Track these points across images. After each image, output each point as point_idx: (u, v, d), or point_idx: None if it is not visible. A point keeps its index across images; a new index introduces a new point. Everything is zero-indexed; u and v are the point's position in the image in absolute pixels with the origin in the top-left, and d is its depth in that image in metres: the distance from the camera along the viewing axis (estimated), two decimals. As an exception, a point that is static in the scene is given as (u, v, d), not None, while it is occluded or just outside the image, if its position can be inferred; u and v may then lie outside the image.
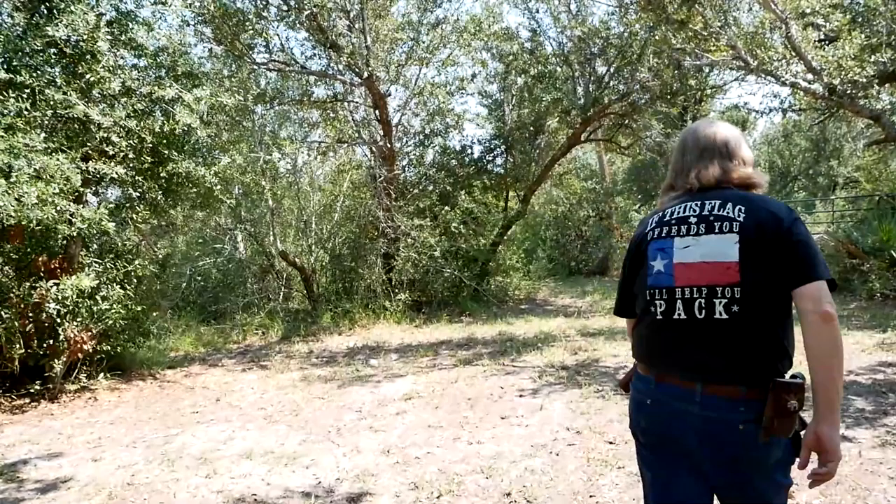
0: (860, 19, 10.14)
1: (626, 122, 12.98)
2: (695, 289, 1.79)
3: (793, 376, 1.70)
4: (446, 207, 11.81)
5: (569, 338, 8.55)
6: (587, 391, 5.79)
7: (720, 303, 1.74)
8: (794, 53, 9.30)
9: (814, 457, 1.72)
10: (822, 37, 10.09)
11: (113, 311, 6.75)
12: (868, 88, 9.25)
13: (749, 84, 15.16)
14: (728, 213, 1.79)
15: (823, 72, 9.06)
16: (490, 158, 13.17)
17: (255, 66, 8.64)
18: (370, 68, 8.90)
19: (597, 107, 11.78)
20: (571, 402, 5.54)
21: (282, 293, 12.29)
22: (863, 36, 9.03)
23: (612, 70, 11.87)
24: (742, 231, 1.74)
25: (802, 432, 1.73)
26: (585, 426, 4.84)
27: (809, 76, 9.30)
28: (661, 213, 1.95)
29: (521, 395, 5.91)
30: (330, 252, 12.28)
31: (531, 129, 12.59)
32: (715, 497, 1.86)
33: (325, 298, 11.62)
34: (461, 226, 11.35)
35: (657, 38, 10.60)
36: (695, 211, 1.85)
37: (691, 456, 1.81)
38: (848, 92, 9.30)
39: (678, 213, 1.89)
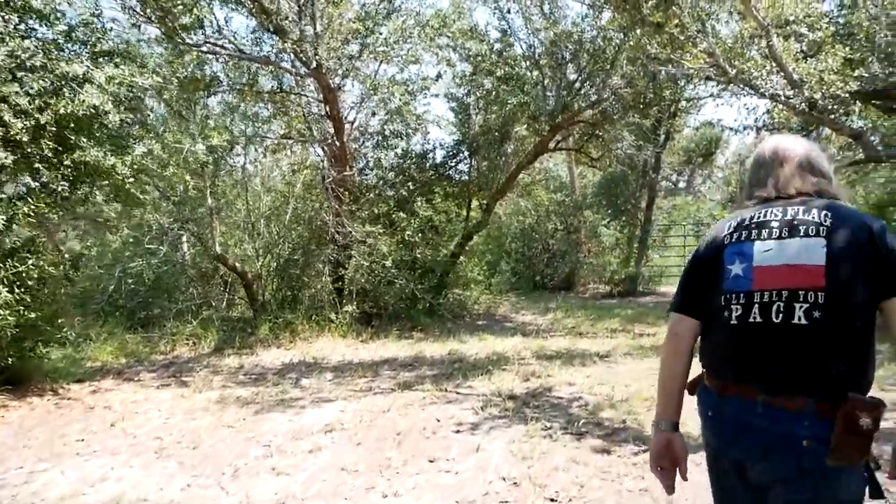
0: (842, 32, 9.63)
1: (597, 131, 12.36)
2: (774, 292, 1.71)
3: (871, 396, 1.60)
4: (404, 214, 11.05)
5: (523, 360, 7.82)
6: (534, 428, 5.05)
7: (800, 307, 1.66)
8: (774, 65, 8.72)
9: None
10: (804, 48, 9.55)
11: (-2, 316, 5.87)
12: (849, 105, 8.70)
13: (724, 99, 14.66)
14: (813, 217, 1.73)
15: (804, 85, 8.48)
16: (453, 164, 12.44)
17: (185, 47, 7.80)
18: (318, 57, 8.12)
19: (566, 113, 11.13)
20: (514, 441, 4.80)
21: (225, 300, 11.41)
22: (847, 49, 8.48)
23: (583, 76, 11.22)
24: (830, 235, 1.68)
25: (878, 472, 1.61)
26: (525, 475, 4.10)
27: (789, 90, 8.73)
28: (739, 218, 1.87)
29: (458, 431, 5.15)
30: (277, 257, 11.43)
31: (497, 134, 11.89)
32: None
33: (268, 307, 10.76)
34: (417, 235, 10.57)
35: (631, 43, 9.99)
36: (776, 216, 1.80)
37: (751, 472, 1.73)
38: (829, 108, 8.75)
39: (759, 217, 1.83)
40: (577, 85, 11.30)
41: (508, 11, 11.77)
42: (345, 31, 8.92)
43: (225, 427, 5.44)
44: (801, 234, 1.72)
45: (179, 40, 7.54)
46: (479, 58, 11.49)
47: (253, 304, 10.85)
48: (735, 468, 1.79)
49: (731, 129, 17.03)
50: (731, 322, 1.78)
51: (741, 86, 9.24)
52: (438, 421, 5.43)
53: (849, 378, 1.63)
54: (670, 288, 16.48)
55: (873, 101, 9.89)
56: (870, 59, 9.02)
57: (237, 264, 10.44)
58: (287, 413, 5.86)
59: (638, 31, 9.43)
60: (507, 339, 9.35)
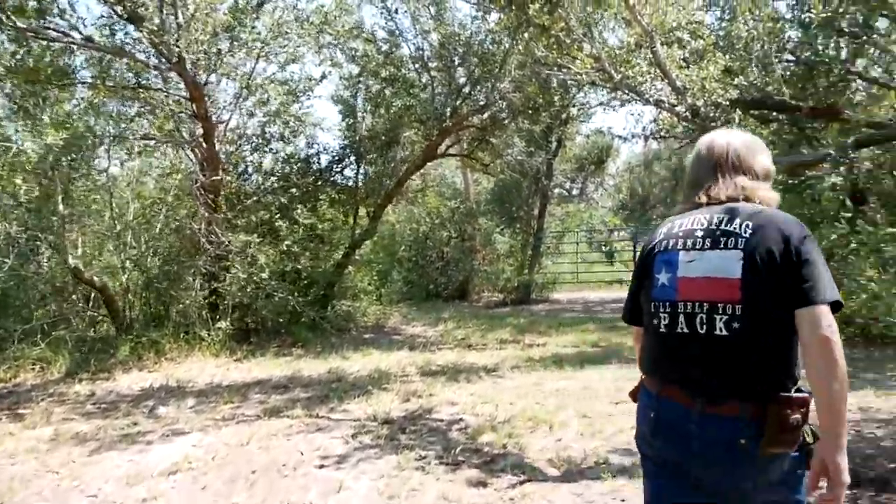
0: (723, 42, 9.75)
1: (487, 137, 12.09)
2: (697, 304, 1.79)
3: (797, 390, 1.71)
4: (286, 222, 10.36)
5: (406, 377, 7.34)
6: (406, 458, 4.57)
7: (720, 319, 1.74)
8: (658, 71, 8.69)
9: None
10: (687, 56, 9.60)
11: None
12: (730, 113, 8.76)
13: (613, 107, 14.84)
14: (735, 228, 1.78)
15: (687, 92, 8.47)
16: (339, 169, 11.84)
17: (14, 33, 6.83)
18: (180, 50, 7.36)
19: (455, 118, 10.78)
20: (383, 476, 4.29)
21: (87, 318, 10.30)
22: (727, 58, 8.54)
23: (472, 79, 10.91)
24: (746, 248, 1.74)
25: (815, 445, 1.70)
26: (390, 520, 3.60)
27: (673, 97, 8.72)
28: (670, 225, 1.94)
29: (321, 466, 4.59)
30: (146, 270, 10.42)
31: (384, 138, 11.39)
32: None
33: (133, 325, 9.78)
34: (295, 245, 9.90)
35: (520, 47, 9.77)
36: (702, 224, 1.85)
37: (692, 474, 1.80)
38: (711, 115, 8.80)
39: (686, 225, 1.89)
40: (467, 89, 10.99)
41: (396, 11, 11.33)
42: (213, 22, 8.17)
43: (48, 473, 4.64)
44: (722, 245, 1.77)
45: (10, 24, 6.58)
46: (366, 58, 10.96)
47: (115, 322, 9.84)
48: (673, 467, 1.85)
49: (620, 137, 17.31)
50: (661, 330, 1.86)
51: (627, 92, 9.17)
52: (302, 454, 4.85)
53: (774, 381, 1.70)
54: (564, 295, 16.52)
55: (751, 111, 10.09)
56: (748, 68, 9.16)
57: (96, 278, 9.42)
58: (129, 451, 5.11)
59: (525, 35, 9.21)
60: (393, 354, 8.84)
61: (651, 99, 8.80)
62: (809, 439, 1.71)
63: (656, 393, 1.88)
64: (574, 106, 14.81)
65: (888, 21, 8.64)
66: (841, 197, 8.13)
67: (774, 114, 10.01)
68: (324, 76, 10.70)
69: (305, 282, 10.78)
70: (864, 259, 5.98)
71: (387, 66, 10.68)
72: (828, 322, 1.64)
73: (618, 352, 8.34)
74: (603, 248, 21.29)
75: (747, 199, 1.86)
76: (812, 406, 1.68)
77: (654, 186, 27.84)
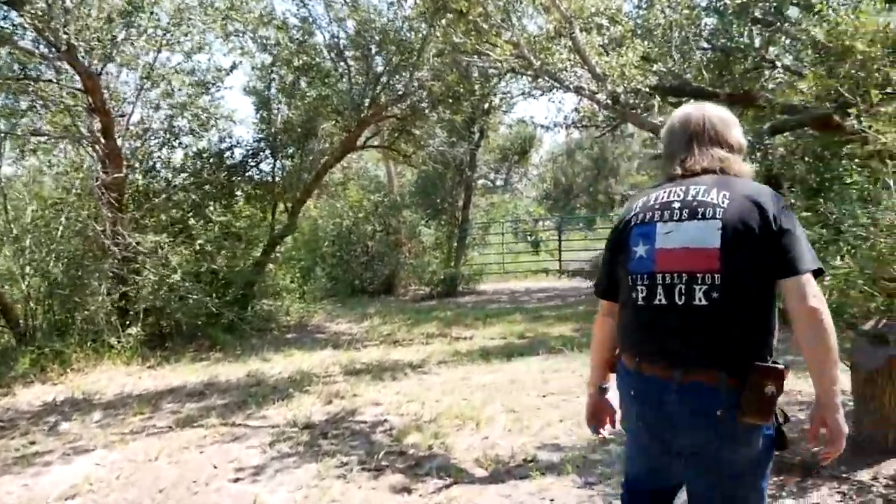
0: (641, 29, 9.81)
1: (408, 127, 11.84)
2: (675, 275, 1.79)
3: (774, 362, 1.74)
4: (200, 220, 9.85)
5: (329, 378, 7.06)
6: (326, 466, 4.32)
7: (700, 289, 1.75)
8: (578, 58, 8.66)
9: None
10: (606, 42, 9.61)
11: None
12: (649, 99, 8.82)
13: (535, 97, 14.85)
14: (712, 199, 1.79)
15: (607, 79, 8.47)
16: (254, 164, 11.34)
17: None
18: (68, 35, 6.79)
19: (373, 108, 10.48)
20: (301, 488, 4.04)
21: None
22: (645, 44, 8.58)
23: (390, 68, 10.63)
24: (725, 218, 1.75)
25: (785, 426, 1.80)
26: (307, 536, 3.35)
27: (593, 84, 8.71)
28: (646, 198, 1.94)
29: (236, 479, 4.29)
30: (48, 276, 9.69)
31: (300, 131, 10.97)
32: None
33: (35, 335, 9.10)
34: (209, 244, 9.42)
35: (438, 34, 9.56)
36: (679, 196, 1.85)
37: (671, 443, 1.83)
38: (630, 102, 8.84)
39: (662, 197, 1.89)
40: (385, 78, 10.69)
41: (309, -2, 10.92)
42: (108, 7, 7.60)
43: (-77, 507, 4.17)
44: (700, 216, 1.77)
45: None
46: (278, 47, 10.52)
47: (15, 333, 9.14)
48: (656, 439, 1.88)
49: (543, 126, 17.38)
50: (639, 303, 1.86)
51: (547, 79, 9.11)
52: (215, 468, 4.53)
53: (751, 351, 1.72)
54: (490, 286, 16.48)
55: (670, 98, 10.22)
56: (666, 55, 9.25)
57: (-11, 286, 8.71)
58: (24, 474, 4.66)
59: (443, 21, 9.02)
60: (316, 354, 8.52)
61: (571, 86, 8.76)
62: (780, 419, 1.78)
63: (634, 368, 1.89)
64: (495, 95, 14.75)
65: (799, 10, 8.87)
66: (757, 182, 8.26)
67: (693, 100, 10.16)
68: (234, 66, 10.14)
69: (222, 282, 10.29)
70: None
71: (300, 54, 10.26)
72: (814, 292, 1.69)
73: (545, 342, 8.28)
74: (528, 238, 21.37)
75: (723, 171, 1.88)
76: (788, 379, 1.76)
77: (577, 176, 28.26)
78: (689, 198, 1.82)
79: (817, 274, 1.73)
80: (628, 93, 8.24)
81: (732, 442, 1.75)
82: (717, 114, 1.98)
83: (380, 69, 10.78)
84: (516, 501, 3.62)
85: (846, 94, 4.01)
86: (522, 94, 16.65)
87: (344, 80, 10.85)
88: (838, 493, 3.30)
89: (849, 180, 9.50)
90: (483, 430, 4.88)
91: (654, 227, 1.85)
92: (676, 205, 1.84)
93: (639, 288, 1.86)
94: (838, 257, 4.14)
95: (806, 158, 11.90)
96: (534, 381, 6.22)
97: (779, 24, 9.16)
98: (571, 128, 16.31)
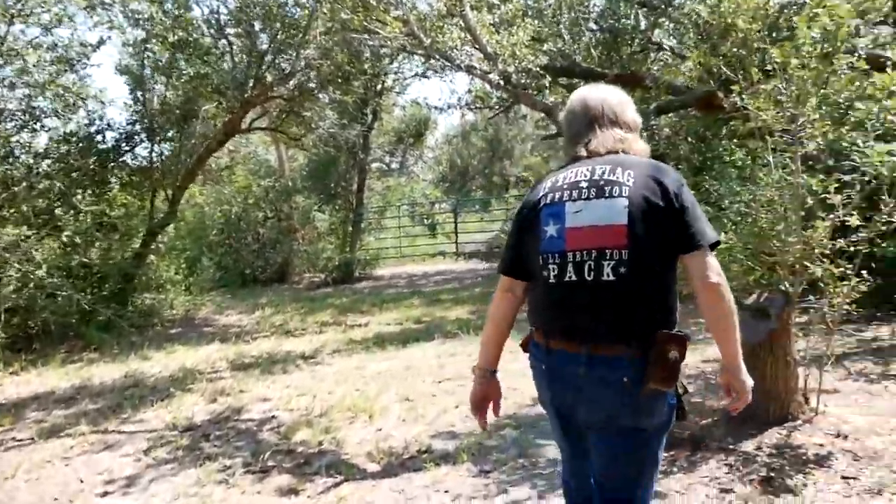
0: (531, 9, 9.79)
1: (296, 108, 11.38)
2: (585, 252, 1.84)
3: (677, 331, 1.83)
4: (68, 210, 9.08)
5: (215, 374, 6.66)
6: (207, 472, 4.01)
7: (608, 265, 1.81)
8: (469, 37, 8.53)
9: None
10: (497, 20, 9.54)
11: None
12: (541, 79, 8.81)
13: (428, 77, 14.65)
14: (618, 178, 1.85)
15: (498, 58, 8.39)
16: (129, 148, 10.55)
17: None
18: None
19: (258, 88, 9.98)
20: (178, 497, 3.72)
21: None
22: (536, 23, 8.56)
23: (275, 46, 10.13)
24: (630, 196, 1.81)
25: (684, 396, 1.91)
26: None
27: (485, 63, 8.61)
28: (553, 179, 1.98)
29: (105, 493, 3.92)
30: None
31: (179, 112, 10.30)
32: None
33: None
34: (79, 236, 8.71)
35: (325, 10, 9.18)
36: (586, 176, 1.90)
37: (583, 414, 1.91)
38: (522, 82, 8.82)
39: (570, 178, 1.93)
40: (270, 56, 10.19)
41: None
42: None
43: None
44: (607, 194, 1.82)
45: None
46: (151, 21, 9.79)
47: None
48: (568, 412, 1.96)
49: (436, 108, 17.26)
50: (550, 281, 1.90)
51: (439, 58, 8.93)
52: (82, 481, 4.12)
53: (656, 323, 1.80)
54: (387, 270, 16.28)
55: (560, 78, 10.29)
56: (556, 35, 9.29)
57: None
58: None
59: (329, -3, 8.66)
60: (202, 349, 8.05)
61: (463, 66, 8.63)
62: (681, 390, 1.88)
63: (545, 345, 1.94)
64: (387, 75, 14.48)
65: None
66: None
67: (583, 82, 10.26)
68: (101, 42, 9.32)
69: (97, 276, 9.55)
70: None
71: (176, 30, 9.59)
72: (715, 265, 1.80)
73: (441, 326, 8.18)
74: (425, 221, 21.28)
75: (625, 151, 1.95)
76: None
77: (472, 158, 28.36)
78: (596, 177, 1.88)
79: (715, 246, 1.84)
80: (519, 72, 8.21)
81: (639, 410, 1.83)
82: (614, 95, 2.05)
83: (264, 47, 10.26)
84: (410, 496, 3.47)
85: (728, 72, 4.05)
86: (416, 74, 16.49)
87: (225, 58, 10.28)
88: (725, 464, 3.34)
89: (728, 159, 9.92)
90: (376, 422, 4.70)
91: (563, 207, 1.89)
92: (584, 184, 1.89)
93: (550, 266, 1.89)
94: (721, 233, 4.21)
95: (689, 139, 12.38)
96: (430, 367, 6.09)
97: (664, 6, 9.39)
98: (465, 109, 16.28)
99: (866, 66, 3.84)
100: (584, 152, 1.97)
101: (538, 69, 8.08)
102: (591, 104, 2.01)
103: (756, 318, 3.71)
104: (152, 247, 10.73)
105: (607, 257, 1.80)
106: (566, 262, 1.86)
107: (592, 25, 9.84)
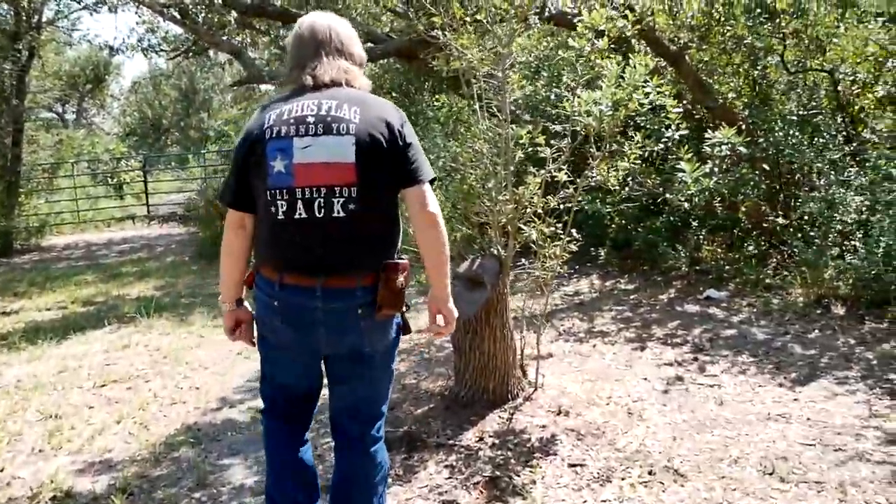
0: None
1: None
2: (315, 189, 1.83)
3: (399, 257, 1.95)
4: None
5: None
6: None
7: (338, 202, 1.83)
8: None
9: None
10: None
11: None
12: (224, 15, 7.66)
13: (98, 12, 12.41)
14: (344, 114, 1.85)
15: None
16: None
17: None
18: None
19: None
20: None
21: None
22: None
23: None
24: (357, 133, 1.83)
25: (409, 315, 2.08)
26: None
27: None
28: (279, 110, 1.91)
29: None
30: None
31: None
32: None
33: None
34: None
35: None
36: (312, 111, 1.88)
37: (319, 347, 1.97)
38: (205, 18, 7.61)
39: (296, 111, 1.89)
40: None
41: None
42: None
43: None
44: (335, 131, 1.83)
45: None
46: None
47: None
48: (305, 345, 1.98)
49: (111, 48, 14.82)
50: (279, 217, 1.87)
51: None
52: None
53: (384, 253, 1.91)
54: (62, 239, 13.83)
55: (250, 20, 9.10)
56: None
57: None
58: None
59: None
60: None
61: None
62: (404, 308, 1.97)
63: (277, 281, 1.91)
64: (44, 3, 11.94)
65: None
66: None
67: (279, 22, 9.15)
68: None
69: None
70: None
71: None
72: (432, 199, 1.90)
73: (116, 308, 6.82)
74: (110, 180, 18.51)
75: (348, 83, 1.95)
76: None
77: (165, 109, 25.37)
78: (323, 112, 1.86)
79: (433, 182, 1.95)
80: (198, 5, 7.00)
81: (373, 335, 1.94)
82: (343, 26, 2.03)
83: None
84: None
85: (430, 8, 3.49)
86: (85, 7, 13.99)
87: None
88: (446, 466, 2.86)
89: (431, 114, 9.73)
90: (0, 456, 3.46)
91: (291, 142, 1.85)
92: (311, 119, 1.86)
93: (279, 203, 1.86)
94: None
95: (393, 93, 12.09)
96: (91, 368, 4.83)
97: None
98: (149, 51, 14.17)
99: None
100: (309, 80, 1.93)
101: (220, 2, 6.96)
102: (319, 30, 1.98)
103: (470, 288, 3.28)
104: None
105: (337, 194, 1.82)
106: (295, 198, 1.84)
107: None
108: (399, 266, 1.89)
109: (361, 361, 1.97)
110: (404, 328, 2.05)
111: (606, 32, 3.14)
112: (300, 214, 1.84)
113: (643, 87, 3.22)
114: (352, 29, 2.05)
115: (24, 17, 13.05)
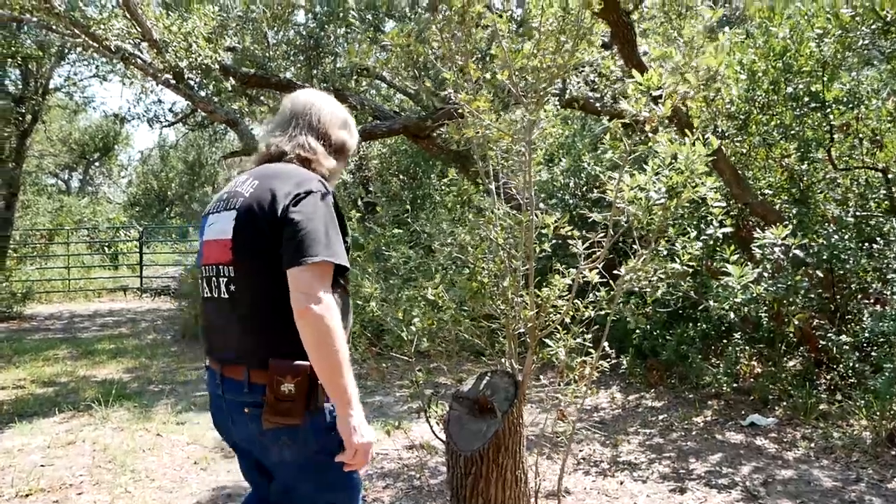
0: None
1: None
2: (211, 267, 1.74)
3: (296, 358, 1.61)
4: None
5: None
6: None
7: (223, 281, 1.69)
8: (129, 17, 6.64)
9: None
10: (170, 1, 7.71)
11: None
12: (220, 83, 7.19)
13: (106, 78, 12.17)
14: (242, 188, 1.72)
15: (167, 47, 6.61)
16: None
17: None
18: None
19: None
20: None
21: None
22: (215, 9, 6.97)
23: None
24: (240, 208, 1.68)
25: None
26: None
27: (149, 52, 6.75)
28: (232, 183, 1.84)
29: None
30: None
31: None
32: None
33: None
34: None
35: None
36: (232, 186, 1.79)
37: (232, 436, 1.76)
38: (198, 83, 7.16)
39: (229, 187, 1.82)
40: None
41: None
42: None
43: None
44: (228, 206, 1.71)
45: None
46: None
47: None
48: (229, 439, 1.81)
49: (116, 116, 14.60)
50: (203, 296, 1.80)
51: (92, 43, 6.85)
52: None
53: (270, 346, 1.61)
54: (50, 307, 13.16)
55: (251, 89, 8.66)
56: (245, 31, 7.77)
57: None
58: None
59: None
60: None
61: (124, 54, 6.71)
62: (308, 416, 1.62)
63: (206, 365, 1.83)
64: (53, 69, 11.72)
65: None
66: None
67: (282, 93, 8.69)
68: None
69: None
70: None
71: None
72: (307, 285, 1.54)
73: (76, 392, 6.03)
74: (106, 249, 17.93)
75: (303, 160, 1.79)
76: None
77: (171, 181, 25.09)
78: (233, 187, 1.76)
79: (342, 271, 1.66)
80: (195, 69, 6.52)
81: (271, 441, 1.63)
82: (329, 105, 1.90)
83: None
84: None
85: (442, 69, 2.90)
86: (96, 75, 13.94)
87: None
88: None
89: (439, 198, 9.16)
90: None
91: (206, 219, 1.79)
92: (225, 195, 1.76)
93: (200, 281, 1.80)
94: (429, 290, 3.01)
95: (401, 177, 11.62)
96: (21, 470, 4.02)
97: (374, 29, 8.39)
98: (154, 122, 13.91)
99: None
100: (263, 149, 1.84)
101: (217, 66, 6.49)
102: (298, 103, 1.87)
103: (477, 415, 2.53)
104: None
105: (222, 273, 1.69)
106: (203, 276, 1.77)
107: (291, 34, 8.43)
108: (286, 367, 1.56)
109: (273, 469, 1.70)
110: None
111: (665, 97, 2.50)
112: (206, 294, 1.76)
113: (704, 172, 2.57)
114: (343, 113, 1.92)
115: (32, 82, 12.87)
